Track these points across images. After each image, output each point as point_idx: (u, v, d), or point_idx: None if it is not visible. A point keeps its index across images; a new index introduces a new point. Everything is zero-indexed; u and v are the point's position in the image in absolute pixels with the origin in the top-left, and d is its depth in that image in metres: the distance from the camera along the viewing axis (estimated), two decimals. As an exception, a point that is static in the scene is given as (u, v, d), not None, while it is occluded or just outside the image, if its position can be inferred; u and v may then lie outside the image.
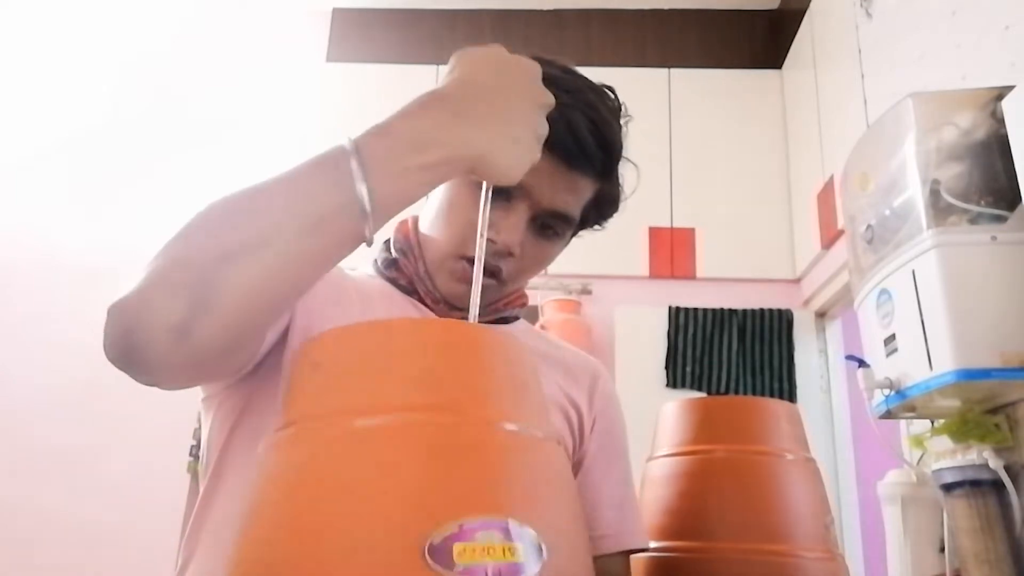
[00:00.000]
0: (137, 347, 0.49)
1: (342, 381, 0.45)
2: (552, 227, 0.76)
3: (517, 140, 0.56)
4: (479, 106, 0.56)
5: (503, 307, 0.83)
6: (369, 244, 0.53)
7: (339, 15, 3.41)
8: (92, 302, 3.37)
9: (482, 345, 0.47)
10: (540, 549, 0.40)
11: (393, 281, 0.80)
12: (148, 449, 2.78)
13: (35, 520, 2.72)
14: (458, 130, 0.54)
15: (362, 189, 0.50)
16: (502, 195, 0.72)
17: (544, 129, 0.59)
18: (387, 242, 0.83)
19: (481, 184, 0.63)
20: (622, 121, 0.78)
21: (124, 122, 3.17)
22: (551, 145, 0.69)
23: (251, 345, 0.61)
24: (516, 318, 0.86)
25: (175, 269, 0.50)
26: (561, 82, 0.72)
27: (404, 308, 0.78)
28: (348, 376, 0.45)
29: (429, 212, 0.79)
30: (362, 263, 0.84)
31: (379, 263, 0.82)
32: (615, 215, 0.84)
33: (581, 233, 0.84)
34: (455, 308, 0.78)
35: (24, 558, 2.68)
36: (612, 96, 0.78)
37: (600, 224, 0.84)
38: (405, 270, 0.79)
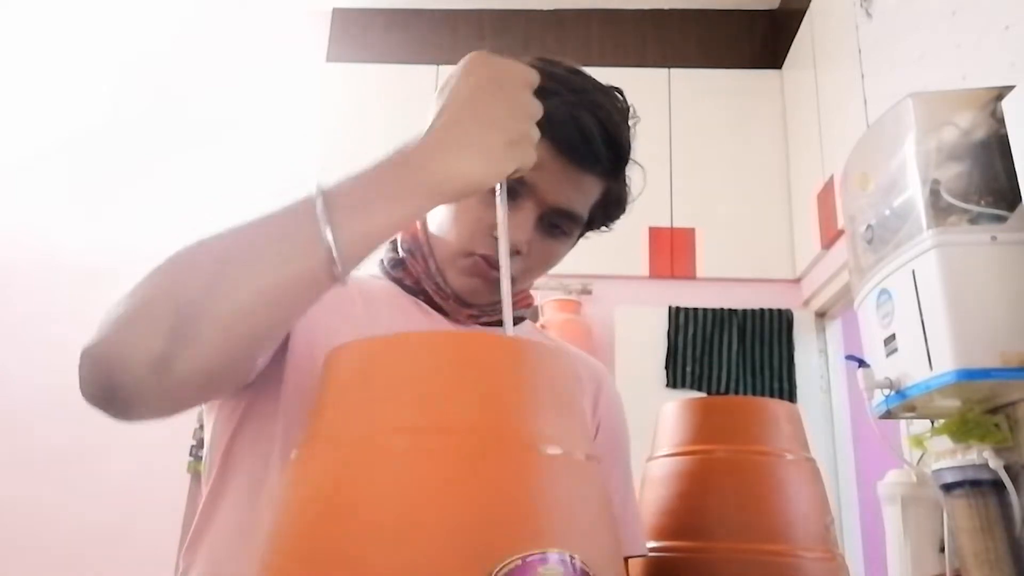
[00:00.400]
0: (119, 386, 0.50)
1: (387, 394, 0.43)
2: (559, 226, 0.76)
3: (486, 151, 0.54)
4: (452, 131, 0.54)
5: None
6: (343, 284, 0.52)
7: (339, 15, 3.41)
8: (92, 302, 3.36)
9: (536, 364, 0.45)
10: None
11: (399, 281, 0.80)
12: (148, 449, 2.78)
13: (35, 520, 2.72)
14: (429, 167, 0.53)
15: (327, 233, 0.50)
16: (509, 194, 0.72)
17: (526, 135, 0.56)
18: (394, 242, 0.83)
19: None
20: (630, 122, 0.78)
21: (124, 122, 3.17)
22: (559, 144, 0.71)
23: (234, 376, 0.60)
24: (522, 319, 0.86)
25: (152, 306, 0.50)
26: (569, 82, 0.73)
27: (408, 310, 0.78)
28: (394, 390, 0.43)
29: (437, 212, 0.79)
30: (367, 263, 0.84)
31: (385, 263, 0.82)
32: (621, 216, 0.84)
33: (587, 235, 0.84)
34: (465, 304, 0.78)
35: (24, 558, 2.68)
36: (620, 97, 0.78)
37: (607, 226, 0.84)
38: (412, 270, 0.79)
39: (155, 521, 2.67)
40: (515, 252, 0.73)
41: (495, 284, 0.75)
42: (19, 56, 3.32)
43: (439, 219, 0.79)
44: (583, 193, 0.76)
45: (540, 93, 0.71)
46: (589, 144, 0.72)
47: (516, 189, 0.72)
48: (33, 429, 2.82)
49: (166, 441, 2.78)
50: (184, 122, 3.21)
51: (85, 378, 0.51)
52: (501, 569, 0.36)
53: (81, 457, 2.77)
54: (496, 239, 0.72)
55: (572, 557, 0.38)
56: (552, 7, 3.42)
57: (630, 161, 0.79)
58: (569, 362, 0.49)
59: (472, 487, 0.39)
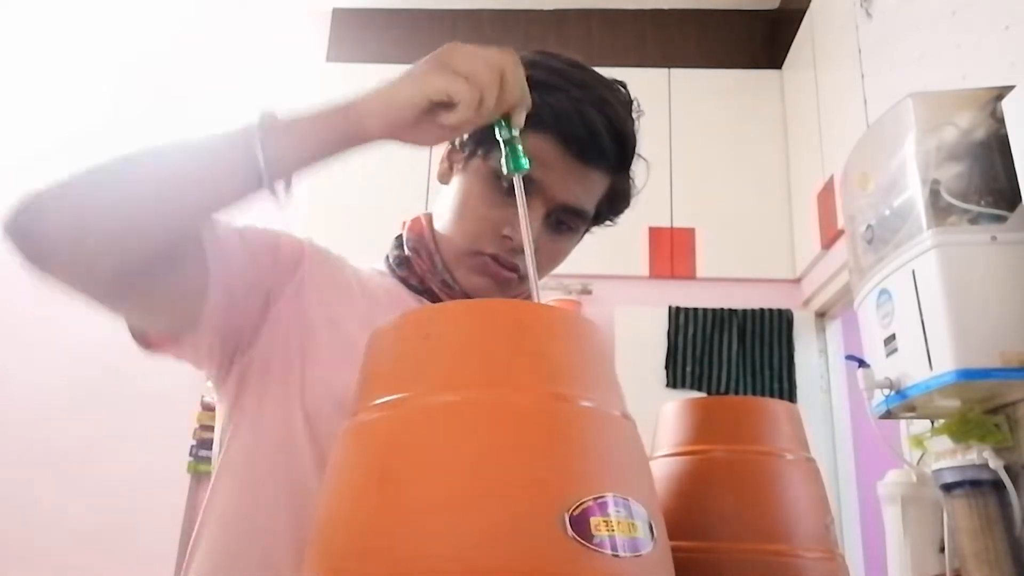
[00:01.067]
0: (31, 235, 0.57)
1: (457, 355, 0.46)
2: (566, 222, 0.76)
3: (412, 79, 0.58)
4: (390, 82, 0.59)
5: None
6: (271, 194, 0.58)
7: (339, 15, 3.41)
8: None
9: (581, 330, 0.49)
10: (651, 527, 0.42)
11: (404, 280, 0.80)
12: (148, 449, 2.78)
13: (35, 520, 2.72)
14: (359, 102, 0.59)
15: (258, 149, 0.57)
16: (512, 192, 0.72)
17: (475, 71, 0.57)
18: (399, 238, 0.83)
19: (502, 180, 0.67)
20: (635, 115, 0.78)
21: (124, 122, 3.17)
22: (565, 140, 0.71)
23: (141, 280, 0.62)
24: None
25: (81, 198, 0.58)
26: (572, 77, 0.74)
27: (411, 307, 0.78)
28: (462, 351, 0.46)
29: (443, 210, 0.80)
30: (364, 259, 0.84)
31: (391, 260, 0.82)
32: (624, 212, 0.84)
33: (592, 229, 0.84)
34: None
35: (24, 558, 2.68)
36: (624, 90, 0.78)
37: (612, 220, 0.84)
38: (417, 268, 0.79)
39: (155, 521, 2.67)
40: (521, 250, 0.73)
41: (504, 283, 0.76)
42: (19, 56, 3.32)
43: (445, 218, 0.79)
44: (590, 189, 0.76)
45: (543, 88, 0.72)
46: (596, 140, 0.72)
47: (524, 187, 0.71)
48: (33, 429, 2.82)
49: (166, 441, 2.78)
50: (184, 122, 3.21)
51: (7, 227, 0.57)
52: (574, 510, 0.39)
53: (81, 457, 2.77)
54: (504, 238, 0.73)
55: (627, 499, 0.42)
56: (552, 7, 3.42)
57: (636, 156, 0.80)
58: (603, 332, 0.52)
59: (534, 441, 0.42)
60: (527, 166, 0.59)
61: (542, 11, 3.42)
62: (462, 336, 0.46)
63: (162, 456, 2.77)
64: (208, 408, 2.80)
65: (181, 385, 2.85)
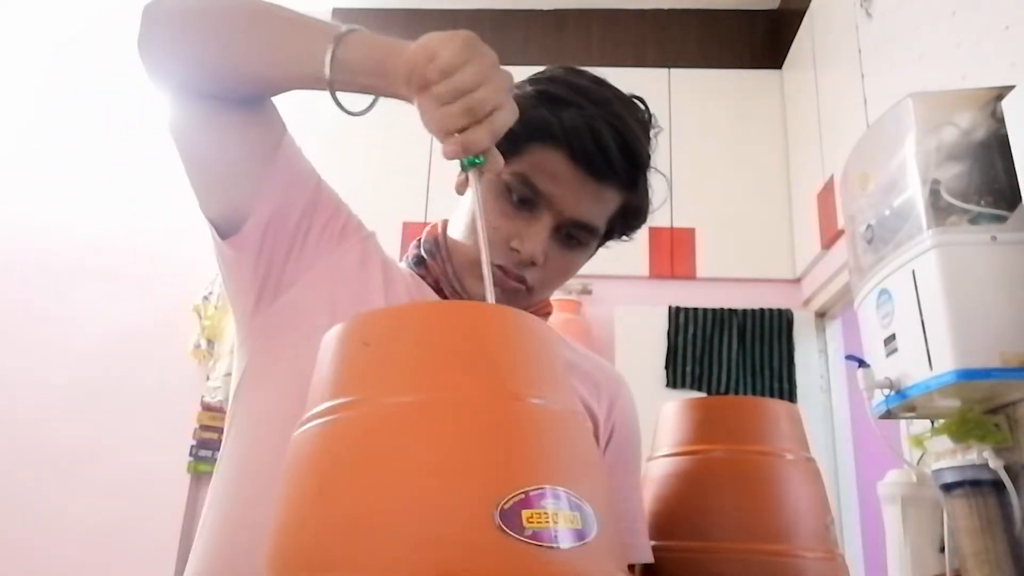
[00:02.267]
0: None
1: (394, 360, 0.46)
2: (576, 237, 0.77)
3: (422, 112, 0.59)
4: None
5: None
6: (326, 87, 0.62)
7: (339, 15, 3.41)
8: (92, 302, 3.36)
9: (521, 327, 0.49)
10: (594, 517, 0.43)
11: (422, 279, 0.81)
12: (148, 449, 2.78)
13: (35, 520, 2.72)
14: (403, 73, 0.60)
15: (328, 55, 0.62)
16: (526, 205, 0.74)
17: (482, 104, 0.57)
18: (418, 241, 0.84)
19: (512, 193, 0.69)
20: (652, 132, 0.78)
21: (124, 121, 3.17)
22: (575, 155, 0.72)
23: (194, 101, 0.71)
24: None
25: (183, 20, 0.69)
26: (588, 93, 0.74)
27: (428, 298, 0.79)
28: (400, 356, 0.46)
29: (457, 219, 0.81)
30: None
31: (410, 259, 0.83)
32: (641, 227, 0.84)
33: (607, 244, 0.85)
34: None
35: (24, 558, 2.68)
36: (642, 107, 0.78)
37: (627, 235, 0.85)
38: (432, 271, 0.80)
39: (155, 520, 2.67)
40: (531, 263, 0.74)
41: (511, 293, 0.76)
42: (20, 56, 3.32)
43: (458, 227, 0.80)
44: (600, 205, 0.76)
45: (558, 103, 0.73)
46: (606, 155, 0.72)
47: (533, 200, 0.73)
48: (33, 429, 2.82)
49: (166, 441, 2.78)
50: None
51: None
52: (507, 502, 0.40)
53: (81, 457, 2.77)
54: (512, 250, 0.74)
55: (568, 492, 0.42)
56: (552, 7, 3.42)
57: (650, 170, 0.80)
58: (551, 328, 0.53)
59: (473, 435, 0.43)
60: (480, 160, 0.59)
61: (542, 11, 3.42)
62: (401, 341, 0.47)
63: (162, 456, 2.77)
64: (208, 408, 2.80)
65: (181, 385, 2.86)
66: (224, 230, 0.74)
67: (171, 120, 0.73)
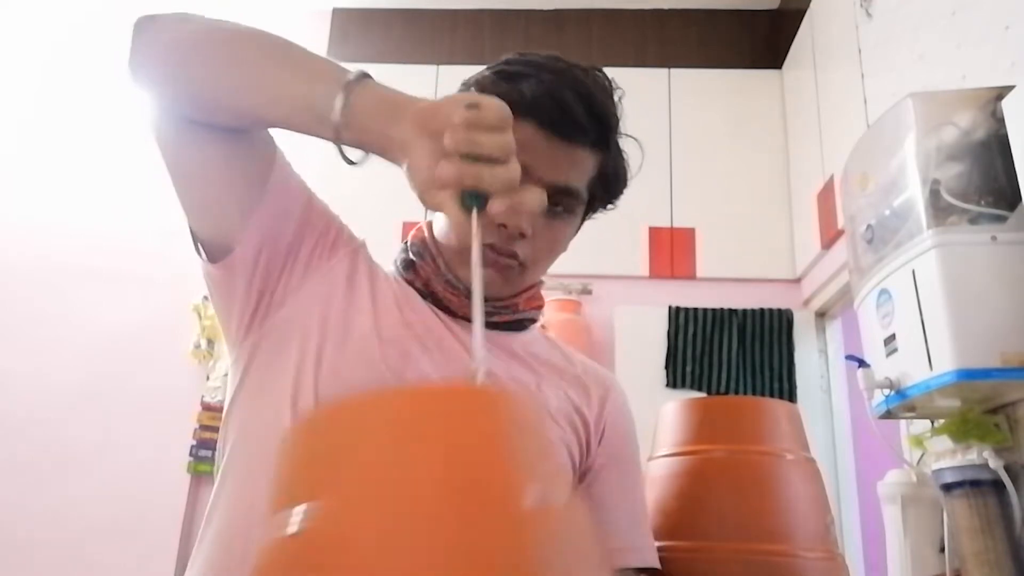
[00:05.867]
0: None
1: (356, 461, 0.41)
2: (560, 204, 0.76)
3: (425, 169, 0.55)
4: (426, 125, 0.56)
5: (523, 307, 0.82)
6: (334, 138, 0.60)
7: (339, 15, 3.41)
8: (92, 302, 3.35)
9: (503, 414, 0.44)
10: None
11: (411, 283, 0.81)
12: (148, 449, 2.78)
13: (36, 520, 2.72)
14: (407, 132, 0.57)
15: (337, 116, 0.58)
16: None
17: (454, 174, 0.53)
18: (405, 245, 0.84)
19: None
20: (615, 94, 0.78)
21: (123, 121, 3.17)
22: (542, 121, 0.72)
23: (186, 133, 0.69)
24: (532, 321, 0.85)
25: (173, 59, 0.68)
26: (545, 65, 0.75)
27: (422, 311, 0.78)
28: (355, 457, 0.41)
29: (439, 219, 0.81)
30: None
31: (398, 263, 0.83)
32: (622, 194, 0.84)
33: (594, 216, 0.84)
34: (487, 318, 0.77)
35: (24, 558, 2.68)
36: (601, 74, 0.79)
37: (612, 203, 0.84)
38: (421, 272, 0.80)
39: (155, 520, 2.67)
40: (520, 235, 0.74)
41: (505, 271, 0.76)
42: (19, 55, 3.32)
43: (441, 223, 0.80)
44: (577, 168, 0.76)
45: (517, 77, 0.74)
46: (572, 116, 0.73)
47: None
48: (34, 429, 2.82)
49: (166, 441, 2.78)
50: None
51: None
52: None
53: (81, 457, 2.77)
54: (500, 226, 0.73)
55: None
56: (552, 7, 3.42)
57: (620, 135, 0.80)
58: (538, 409, 0.50)
59: (440, 542, 0.37)
60: (479, 201, 0.53)
61: (542, 11, 3.42)
62: (362, 437, 0.42)
63: (162, 456, 2.77)
64: (208, 408, 2.80)
65: (181, 385, 2.86)
66: (213, 252, 0.73)
67: (158, 133, 0.71)
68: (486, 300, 0.77)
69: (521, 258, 0.76)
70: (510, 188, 0.54)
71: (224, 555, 0.69)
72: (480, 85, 0.77)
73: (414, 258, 0.81)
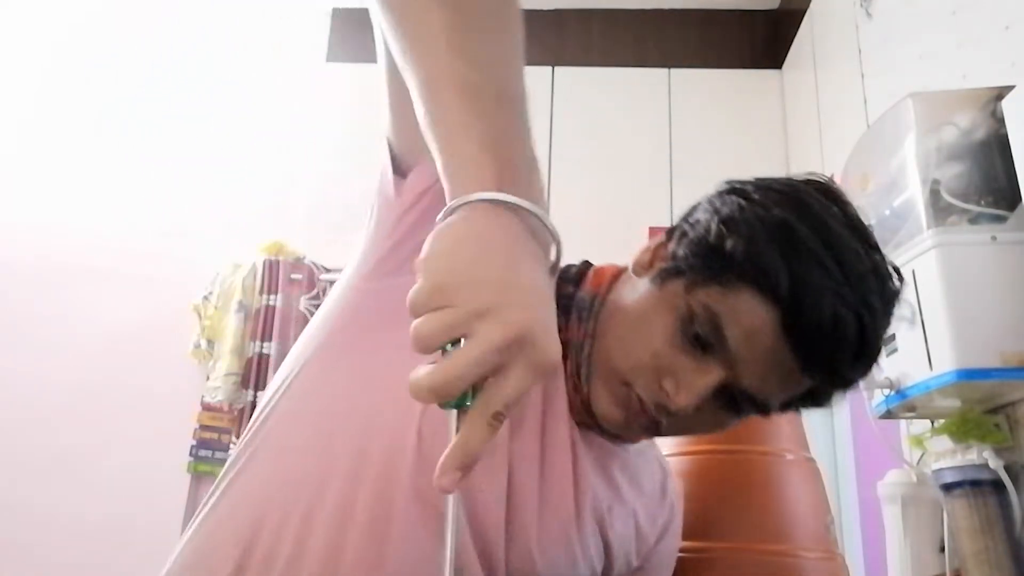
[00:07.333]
0: None
1: None
2: (740, 407, 0.62)
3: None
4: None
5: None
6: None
7: (339, 15, 3.41)
8: (92, 302, 3.35)
9: None
10: None
11: None
12: (148, 449, 2.77)
13: (35, 520, 2.72)
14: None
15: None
16: (701, 345, 0.60)
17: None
18: (574, 275, 0.73)
19: (695, 325, 0.57)
20: (895, 311, 0.65)
21: (124, 121, 3.17)
22: (792, 331, 0.57)
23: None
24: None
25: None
26: (844, 256, 0.59)
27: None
28: None
29: (633, 290, 0.68)
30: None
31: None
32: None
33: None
34: (597, 427, 0.66)
35: (24, 558, 2.68)
36: (896, 283, 0.65)
37: (797, 410, 0.67)
38: (563, 331, 0.67)
39: (155, 520, 2.66)
40: (668, 412, 0.62)
41: (634, 431, 0.66)
42: (19, 55, 3.32)
43: (628, 297, 0.67)
44: (787, 391, 0.61)
45: (800, 255, 0.58)
46: (833, 351, 0.58)
47: (711, 345, 0.59)
48: (33, 429, 2.82)
49: (166, 441, 2.78)
50: (184, 121, 3.21)
51: None
52: None
53: (81, 457, 2.77)
54: (661, 390, 0.61)
55: None
56: (552, 7, 3.42)
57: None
58: None
59: None
60: (468, 401, 0.41)
61: (542, 11, 3.42)
62: None
63: (162, 456, 2.76)
64: (208, 408, 2.80)
65: (181, 385, 2.85)
66: (397, 163, 0.65)
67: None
68: (605, 432, 0.67)
69: (662, 430, 0.65)
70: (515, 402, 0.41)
71: (248, 531, 0.64)
72: (751, 212, 0.62)
73: (573, 310, 0.68)
